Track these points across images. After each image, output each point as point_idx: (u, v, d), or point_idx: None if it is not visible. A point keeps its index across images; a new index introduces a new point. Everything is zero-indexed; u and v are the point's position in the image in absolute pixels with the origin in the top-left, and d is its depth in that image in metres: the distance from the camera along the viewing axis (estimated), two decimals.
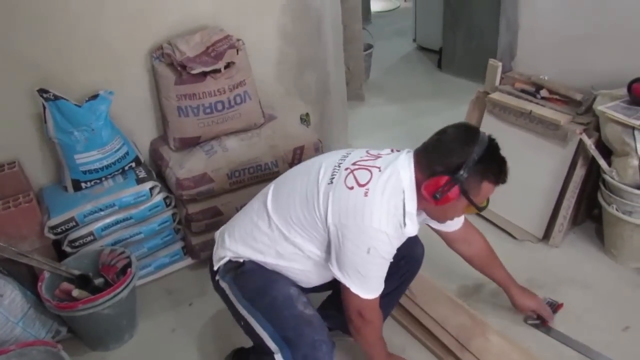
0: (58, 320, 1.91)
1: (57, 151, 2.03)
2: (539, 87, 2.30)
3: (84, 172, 2.04)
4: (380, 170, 1.34)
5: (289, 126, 2.34)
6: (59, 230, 1.93)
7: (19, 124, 2.02)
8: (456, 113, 2.71)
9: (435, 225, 1.65)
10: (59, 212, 1.95)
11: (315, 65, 2.73)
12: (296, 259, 1.44)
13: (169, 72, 2.11)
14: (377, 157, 1.41)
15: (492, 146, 1.32)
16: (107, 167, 2.08)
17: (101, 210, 1.98)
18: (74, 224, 1.95)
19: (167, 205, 2.13)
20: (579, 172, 2.10)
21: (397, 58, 4.83)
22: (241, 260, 1.47)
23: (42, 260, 1.84)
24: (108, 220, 2.02)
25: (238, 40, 2.21)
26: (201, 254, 2.23)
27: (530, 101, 2.24)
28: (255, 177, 2.17)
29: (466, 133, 1.34)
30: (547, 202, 2.22)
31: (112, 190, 2.04)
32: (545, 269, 2.09)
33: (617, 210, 1.98)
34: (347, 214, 1.30)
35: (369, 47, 4.14)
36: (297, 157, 2.23)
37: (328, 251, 1.39)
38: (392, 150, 1.45)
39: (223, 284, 1.48)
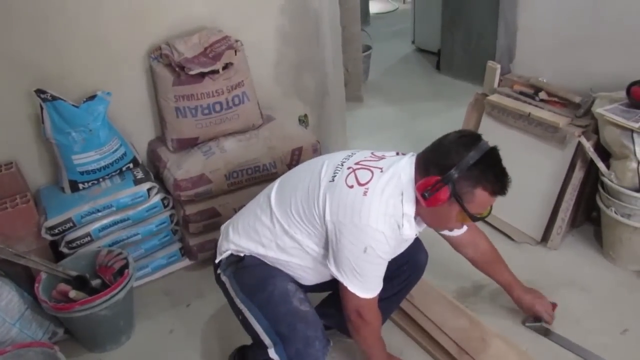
0: (55, 322, 1.90)
1: (55, 152, 2.02)
2: (537, 89, 2.30)
3: (82, 173, 2.04)
4: (382, 171, 1.35)
5: (287, 127, 2.34)
6: (56, 231, 1.93)
7: (16, 124, 2.01)
8: (454, 115, 2.71)
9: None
10: (56, 213, 1.94)
11: (314, 67, 2.72)
12: (296, 254, 1.44)
13: (167, 72, 2.11)
14: (381, 158, 1.42)
15: (491, 154, 1.29)
16: (104, 168, 2.07)
17: (98, 211, 1.98)
18: (71, 225, 1.95)
19: (165, 206, 2.13)
20: (578, 175, 2.10)
21: (395, 60, 4.83)
22: (242, 254, 1.47)
23: (39, 261, 1.83)
24: (105, 221, 2.02)
25: (236, 41, 2.21)
26: (199, 255, 2.23)
27: (529, 103, 2.24)
28: (253, 178, 2.17)
29: (466, 138, 1.32)
30: (545, 204, 2.22)
31: (110, 191, 2.03)
32: (543, 272, 2.09)
33: (615, 212, 1.98)
34: (345, 211, 1.31)
35: (367, 48, 4.14)
36: (296, 158, 2.23)
37: (326, 247, 1.39)
38: (397, 153, 1.45)
39: (224, 278, 1.49)
